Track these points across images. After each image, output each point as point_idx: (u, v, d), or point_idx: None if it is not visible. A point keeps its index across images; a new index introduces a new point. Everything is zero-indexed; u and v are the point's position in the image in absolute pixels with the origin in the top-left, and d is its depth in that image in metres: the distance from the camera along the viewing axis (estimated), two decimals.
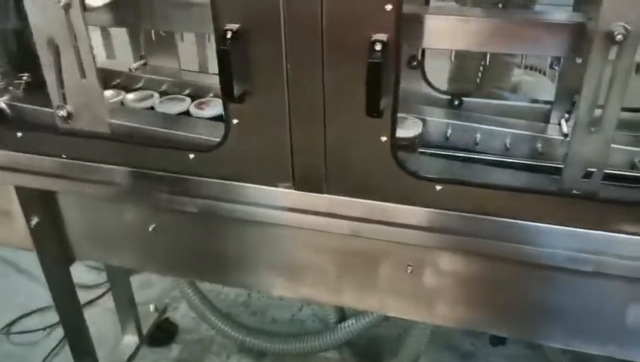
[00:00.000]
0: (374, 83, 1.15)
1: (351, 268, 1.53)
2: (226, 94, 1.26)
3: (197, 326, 2.83)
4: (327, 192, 1.39)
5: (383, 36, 1.14)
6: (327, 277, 1.56)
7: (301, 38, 1.21)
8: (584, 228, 1.24)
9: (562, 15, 1.19)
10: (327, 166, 1.35)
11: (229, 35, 1.21)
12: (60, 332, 2.63)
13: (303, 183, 1.40)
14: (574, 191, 1.24)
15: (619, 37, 1.05)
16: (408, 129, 1.52)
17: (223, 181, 1.45)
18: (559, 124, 1.56)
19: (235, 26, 1.22)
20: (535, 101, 1.71)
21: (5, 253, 3.32)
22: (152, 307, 2.72)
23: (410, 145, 1.50)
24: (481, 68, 1.71)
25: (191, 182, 1.48)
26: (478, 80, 1.75)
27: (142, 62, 1.86)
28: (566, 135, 1.52)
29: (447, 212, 1.30)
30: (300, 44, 1.22)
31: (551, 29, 1.17)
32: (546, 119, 1.59)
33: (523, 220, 1.27)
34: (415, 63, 1.66)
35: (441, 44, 1.32)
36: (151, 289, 3.11)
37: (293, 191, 1.41)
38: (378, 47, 1.13)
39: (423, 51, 1.65)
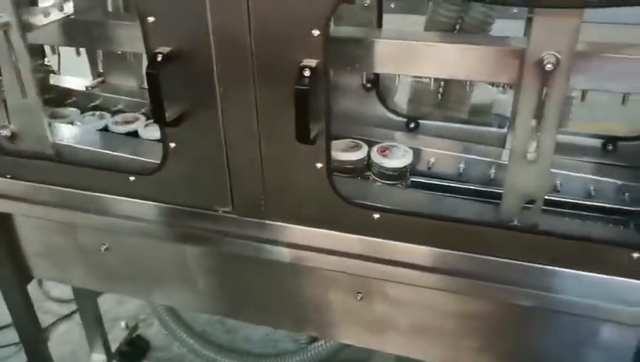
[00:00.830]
0: (302, 109, 1.11)
1: (295, 294, 1.49)
2: (157, 118, 1.23)
3: (169, 344, 2.80)
4: (267, 218, 1.36)
5: (311, 62, 1.11)
6: (270, 304, 1.53)
7: (232, 62, 1.18)
8: (521, 261, 1.20)
9: (505, 40, 1.15)
10: (266, 191, 1.32)
11: (159, 59, 1.18)
12: None
13: (242, 208, 1.37)
14: (514, 223, 1.20)
15: (548, 66, 1.01)
16: (399, 158, 1.46)
17: (163, 204, 1.42)
18: None
19: (166, 49, 1.19)
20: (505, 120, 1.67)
21: None
22: (122, 324, 2.68)
23: (401, 175, 1.46)
24: (440, 90, 1.67)
25: (133, 204, 1.45)
26: (437, 102, 1.71)
27: (100, 79, 1.84)
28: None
29: (383, 241, 1.26)
30: (231, 68, 1.19)
31: (489, 55, 1.12)
32: (502, 143, 1.55)
33: (462, 251, 1.23)
34: (370, 85, 1.62)
35: (381, 69, 1.29)
36: (127, 305, 3.08)
37: (234, 216, 1.38)
38: (306, 72, 1.10)
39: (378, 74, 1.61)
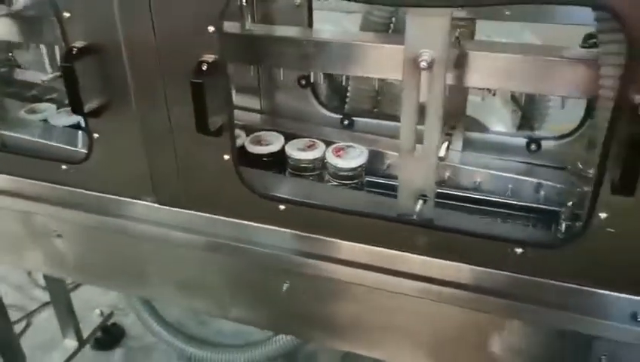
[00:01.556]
0: (199, 101, 1.16)
1: (211, 280, 1.54)
2: (74, 109, 1.30)
3: (144, 333, 2.87)
4: (185, 207, 1.41)
5: (209, 57, 1.16)
6: (191, 287, 1.58)
7: (140, 57, 1.24)
8: (416, 254, 1.23)
9: (393, 39, 1.18)
10: (182, 181, 1.37)
11: (74, 52, 1.25)
12: None
13: (164, 197, 1.42)
14: (412, 218, 1.23)
15: (423, 64, 1.04)
16: (353, 158, 1.48)
17: (92, 192, 1.49)
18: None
19: (82, 44, 1.26)
20: None
21: None
22: (97, 311, 2.77)
23: (355, 175, 1.49)
24: (377, 88, 1.70)
25: (66, 192, 1.52)
26: (375, 100, 1.74)
27: (57, 73, 1.91)
28: (441, 158, 1.50)
29: (286, 230, 1.31)
30: (140, 63, 1.25)
31: (377, 53, 1.16)
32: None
33: (362, 243, 1.27)
34: (304, 83, 1.67)
35: (290, 66, 1.33)
36: (110, 294, 3.17)
37: (156, 205, 1.44)
38: (204, 67, 1.15)
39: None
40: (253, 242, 1.36)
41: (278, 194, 1.35)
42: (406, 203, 1.22)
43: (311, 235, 1.31)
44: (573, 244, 1.10)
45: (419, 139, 1.16)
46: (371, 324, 1.39)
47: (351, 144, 1.53)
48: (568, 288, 1.13)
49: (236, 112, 1.70)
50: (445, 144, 1.53)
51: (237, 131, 1.52)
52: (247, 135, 1.61)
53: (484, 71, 1.19)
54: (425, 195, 1.20)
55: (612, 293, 1.12)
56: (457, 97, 1.48)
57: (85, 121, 1.38)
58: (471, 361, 1.34)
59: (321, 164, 1.53)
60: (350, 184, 1.49)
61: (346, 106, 1.75)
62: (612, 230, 1.05)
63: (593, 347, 1.19)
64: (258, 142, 1.59)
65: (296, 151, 1.52)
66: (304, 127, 1.71)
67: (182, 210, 1.41)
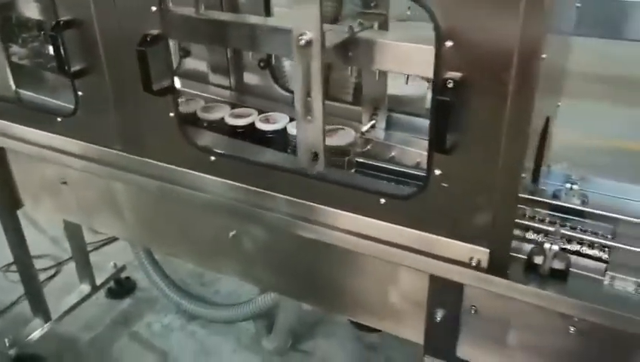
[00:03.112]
0: (144, 66, 1.49)
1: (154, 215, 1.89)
2: (61, 71, 1.65)
3: (151, 287, 3.23)
4: (145, 156, 1.74)
5: (154, 31, 1.48)
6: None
7: (106, 30, 1.58)
8: (309, 201, 1.50)
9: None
10: (143, 133, 1.70)
11: (61, 24, 1.60)
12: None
13: (130, 147, 1.76)
14: (310, 172, 1.50)
15: (302, 42, 1.32)
16: (341, 138, 1.71)
17: (81, 142, 1.84)
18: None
19: (67, 18, 1.61)
20: None
21: None
22: (111, 264, 3.16)
23: (345, 152, 1.72)
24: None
25: (61, 141, 1.88)
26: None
27: None
28: (363, 133, 1.77)
29: (217, 179, 1.61)
30: (106, 34, 1.59)
31: (272, 34, 1.47)
32: (359, 119, 1.84)
33: (270, 191, 1.55)
34: (263, 64, 1.96)
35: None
36: (128, 253, 3.54)
37: (124, 153, 1.77)
38: (148, 39, 1.48)
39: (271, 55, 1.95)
40: (192, 186, 1.66)
41: (215, 150, 1.65)
42: (303, 160, 1.49)
43: (236, 183, 1.60)
44: (419, 197, 1.34)
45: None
46: (273, 262, 1.71)
47: (342, 127, 1.77)
48: (418, 235, 1.37)
49: (211, 88, 2.05)
50: (371, 123, 1.81)
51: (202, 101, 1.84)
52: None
53: (366, 54, 1.44)
54: (317, 153, 1.47)
55: (453, 241, 1.34)
56: (377, 81, 1.73)
57: (72, 82, 1.73)
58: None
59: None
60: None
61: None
62: (446, 185, 1.28)
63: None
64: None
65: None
66: (266, 103, 2.00)
67: (143, 159, 1.74)
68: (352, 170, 1.69)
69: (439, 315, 1.48)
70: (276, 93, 2.00)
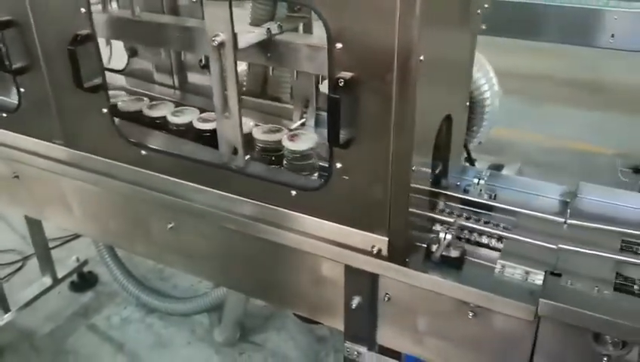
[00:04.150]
0: (74, 64, 1.58)
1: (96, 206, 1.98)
2: (3, 69, 1.74)
3: (112, 282, 3.32)
4: (84, 150, 1.82)
5: (83, 32, 1.57)
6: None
7: (42, 30, 1.67)
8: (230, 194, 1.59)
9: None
10: (80, 129, 1.79)
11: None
12: None
13: (71, 142, 1.84)
14: (231, 166, 1.59)
15: (215, 43, 1.41)
16: (304, 142, 1.70)
17: (25, 136, 1.93)
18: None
19: (5, 18, 1.70)
20: None
21: None
22: (74, 258, 3.24)
23: (308, 155, 1.73)
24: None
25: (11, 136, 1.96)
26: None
27: None
28: (290, 130, 1.86)
29: (150, 172, 1.70)
30: (42, 34, 1.67)
31: (193, 34, 1.57)
32: (290, 116, 1.93)
33: (196, 183, 1.64)
34: (204, 64, 2.05)
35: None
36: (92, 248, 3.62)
37: (67, 148, 1.85)
38: (78, 38, 1.57)
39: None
40: (124, 179, 1.75)
41: (146, 145, 1.74)
42: (224, 154, 1.58)
43: (164, 176, 1.69)
44: (325, 190, 1.43)
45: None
46: (210, 254, 1.79)
47: (304, 131, 1.82)
48: (329, 226, 1.46)
49: (157, 87, 2.14)
50: (301, 120, 1.90)
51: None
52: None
53: (280, 54, 1.53)
54: (236, 148, 1.56)
55: (358, 230, 1.44)
56: (306, 81, 1.83)
57: (14, 79, 1.81)
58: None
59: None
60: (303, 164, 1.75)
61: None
62: (346, 177, 1.38)
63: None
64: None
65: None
66: (208, 102, 2.08)
67: (81, 153, 1.82)
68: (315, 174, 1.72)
69: (355, 303, 1.56)
70: None
